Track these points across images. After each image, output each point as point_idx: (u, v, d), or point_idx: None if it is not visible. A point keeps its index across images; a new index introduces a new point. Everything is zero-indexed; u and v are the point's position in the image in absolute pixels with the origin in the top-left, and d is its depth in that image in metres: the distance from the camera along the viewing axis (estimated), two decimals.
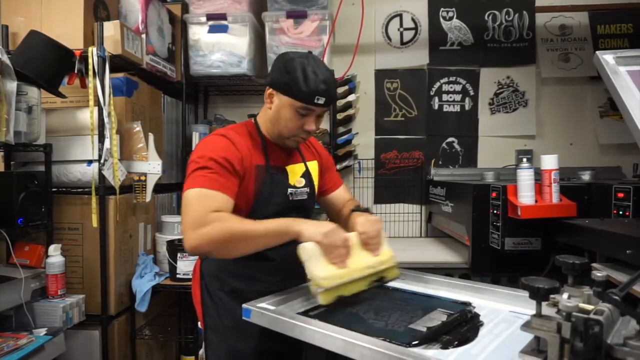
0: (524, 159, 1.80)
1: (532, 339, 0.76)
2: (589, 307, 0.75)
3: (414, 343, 0.90)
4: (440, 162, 2.95)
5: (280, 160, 1.39)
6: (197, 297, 1.43)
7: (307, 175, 1.44)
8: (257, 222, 1.15)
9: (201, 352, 2.48)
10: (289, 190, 1.36)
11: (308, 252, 1.09)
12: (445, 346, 0.90)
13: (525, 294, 0.78)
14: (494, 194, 1.85)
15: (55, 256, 1.95)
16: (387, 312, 1.09)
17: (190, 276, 2.28)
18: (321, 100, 1.25)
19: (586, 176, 2.16)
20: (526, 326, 0.74)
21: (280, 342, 1.24)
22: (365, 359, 0.83)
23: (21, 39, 1.94)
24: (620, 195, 1.65)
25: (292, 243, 1.18)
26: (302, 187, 1.41)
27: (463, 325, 1.00)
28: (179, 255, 2.27)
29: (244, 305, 1.10)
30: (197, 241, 1.13)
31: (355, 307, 1.15)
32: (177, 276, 2.28)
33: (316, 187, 1.49)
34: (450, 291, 1.26)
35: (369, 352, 0.83)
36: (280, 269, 1.35)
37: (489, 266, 1.90)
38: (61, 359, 1.93)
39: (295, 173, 1.41)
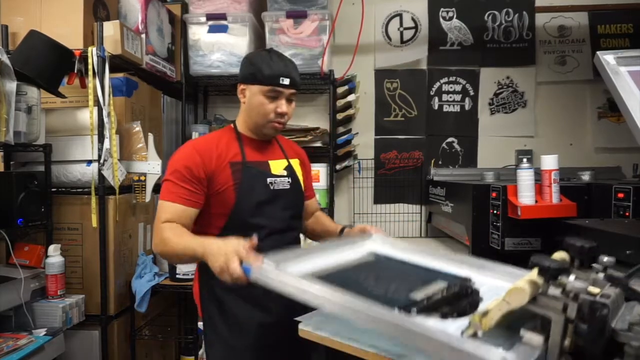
0: (524, 159, 1.80)
1: (533, 317, 0.75)
2: (596, 290, 0.74)
3: (413, 311, 0.89)
4: (440, 162, 2.95)
5: (260, 155, 1.44)
6: (196, 293, 1.47)
7: (289, 169, 1.49)
8: (183, 238, 1.24)
9: (201, 351, 2.49)
10: (269, 179, 1.41)
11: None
12: (444, 317, 0.89)
13: (527, 273, 0.77)
14: (494, 194, 1.84)
15: (54, 256, 1.95)
16: (387, 281, 1.08)
17: (190, 276, 2.31)
18: (286, 81, 1.33)
19: (586, 176, 2.16)
20: (532, 303, 0.73)
21: (276, 337, 1.35)
22: (366, 325, 0.83)
23: (21, 39, 1.93)
24: (620, 195, 1.64)
25: (274, 237, 1.35)
26: (283, 176, 1.45)
27: (462, 300, 0.99)
28: None
29: (244, 263, 1.09)
30: (153, 246, 1.31)
31: (355, 273, 1.14)
32: (177, 276, 2.28)
33: (302, 183, 1.52)
34: (451, 265, 1.24)
35: (369, 318, 0.82)
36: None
37: None
38: (61, 359, 1.93)
39: (277, 167, 1.46)
